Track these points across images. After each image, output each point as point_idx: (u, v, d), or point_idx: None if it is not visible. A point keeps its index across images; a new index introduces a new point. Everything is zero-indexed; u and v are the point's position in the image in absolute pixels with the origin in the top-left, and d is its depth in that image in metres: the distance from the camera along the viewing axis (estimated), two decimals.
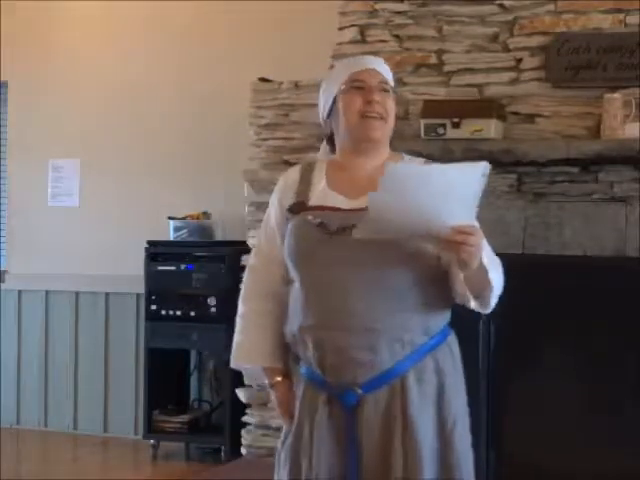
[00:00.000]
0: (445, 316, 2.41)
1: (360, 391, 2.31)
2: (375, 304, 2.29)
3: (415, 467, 2.28)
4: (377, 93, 2.42)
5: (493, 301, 2.31)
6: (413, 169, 2.28)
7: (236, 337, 2.56)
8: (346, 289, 2.29)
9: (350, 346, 2.30)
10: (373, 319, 2.29)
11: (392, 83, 2.50)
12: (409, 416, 2.29)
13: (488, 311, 2.36)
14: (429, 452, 2.30)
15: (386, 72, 2.50)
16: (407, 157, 2.50)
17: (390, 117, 2.45)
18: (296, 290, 2.40)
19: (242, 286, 2.59)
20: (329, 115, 2.49)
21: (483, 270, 2.22)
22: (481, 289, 2.28)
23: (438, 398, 2.35)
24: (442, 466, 2.32)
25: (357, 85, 2.44)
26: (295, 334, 2.39)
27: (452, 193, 2.14)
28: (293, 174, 2.51)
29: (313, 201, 2.41)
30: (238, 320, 2.57)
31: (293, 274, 2.41)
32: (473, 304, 2.33)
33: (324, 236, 2.32)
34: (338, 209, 2.36)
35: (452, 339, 2.44)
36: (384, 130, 2.44)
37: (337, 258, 2.30)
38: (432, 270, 2.33)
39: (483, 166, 2.14)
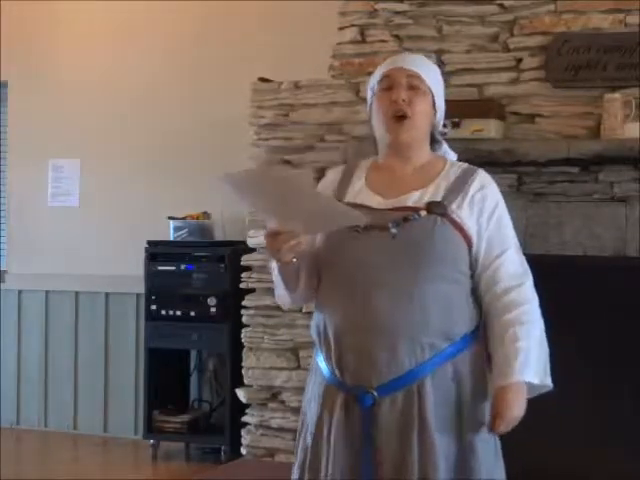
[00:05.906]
0: (471, 322, 2.37)
1: (376, 393, 2.28)
2: (397, 306, 2.27)
3: (431, 468, 2.26)
4: (403, 91, 2.35)
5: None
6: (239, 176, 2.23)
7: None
8: (369, 289, 2.28)
9: (369, 347, 2.28)
10: (394, 321, 2.26)
11: (428, 79, 2.39)
12: (426, 419, 2.27)
13: None
14: (445, 454, 2.28)
15: (420, 68, 2.40)
16: (449, 161, 2.46)
17: (417, 115, 2.36)
18: (323, 286, 2.39)
19: None
20: (370, 117, 2.46)
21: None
22: None
23: (457, 403, 2.32)
24: (461, 469, 2.30)
25: (385, 85, 2.39)
26: (320, 330, 2.38)
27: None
28: (335, 173, 2.50)
29: (347, 198, 2.39)
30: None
31: (321, 270, 2.39)
32: None
33: (352, 233, 2.30)
34: (369, 207, 2.33)
35: (478, 346, 2.38)
36: (411, 130, 2.37)
37: (363, 257, 2.29)
38: (456, 275, 2.32)
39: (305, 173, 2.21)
